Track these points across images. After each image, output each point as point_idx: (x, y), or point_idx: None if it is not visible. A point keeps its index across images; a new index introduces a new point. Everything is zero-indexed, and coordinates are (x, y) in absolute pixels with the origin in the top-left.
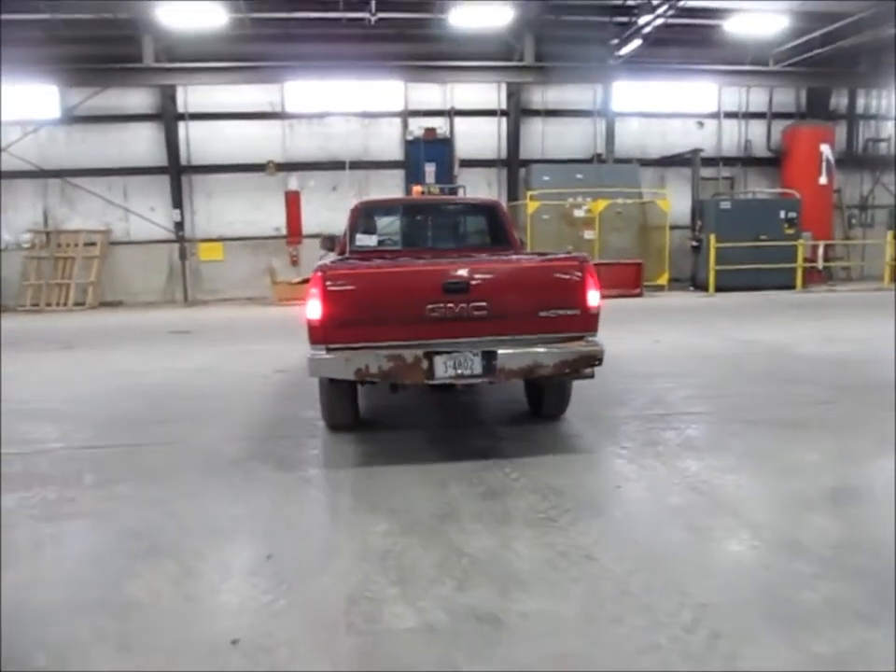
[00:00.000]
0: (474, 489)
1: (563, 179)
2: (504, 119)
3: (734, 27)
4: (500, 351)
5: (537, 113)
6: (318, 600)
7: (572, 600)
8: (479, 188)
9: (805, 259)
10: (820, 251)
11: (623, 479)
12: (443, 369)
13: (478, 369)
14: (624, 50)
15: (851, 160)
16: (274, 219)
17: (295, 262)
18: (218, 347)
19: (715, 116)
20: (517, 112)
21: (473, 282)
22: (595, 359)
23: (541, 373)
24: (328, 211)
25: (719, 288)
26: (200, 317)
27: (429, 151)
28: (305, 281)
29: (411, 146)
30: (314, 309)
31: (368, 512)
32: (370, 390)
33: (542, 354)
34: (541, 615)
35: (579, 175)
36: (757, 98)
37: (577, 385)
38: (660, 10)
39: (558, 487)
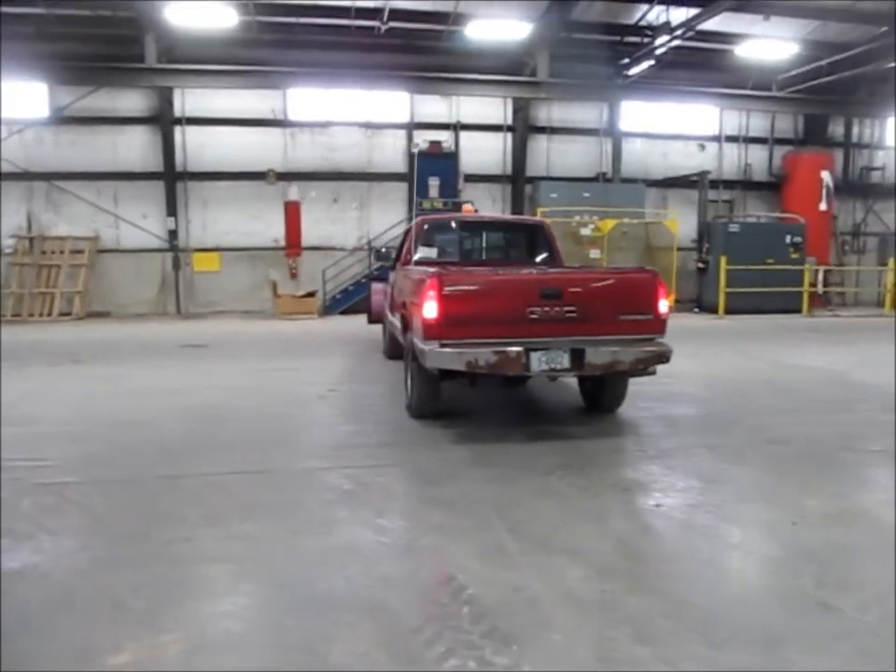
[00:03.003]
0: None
1: (570, 197)
2: (510, 135)
3: (743, 52)
4: (588, 349)
5: (542, 130)
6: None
7: (840, 657)
8: (483, 203)
9: (809, 284)
10: (821, 276)
11: (794, 514)
12: (538, 363)
13: (566, 363)
14: (634, 70)
15: (846, 187)
16: (273, 230)
17: (294, 275)
18: (244, 364)
19: (716, 139)
20: (524, 128)
21: (567, 289)
22: (664, 357)
23: (620, 368)
24: (328, 223)
25: (727, 311)
26: (203, 331)
27: (434, 165)
28: (310, 294)
29: (415, 159)
30: (430, 309)
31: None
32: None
33: (622, 351)
34: None
35: (586, 194)
36: (757, 123)
37: (670, 409)
38: (678, 32)
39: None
